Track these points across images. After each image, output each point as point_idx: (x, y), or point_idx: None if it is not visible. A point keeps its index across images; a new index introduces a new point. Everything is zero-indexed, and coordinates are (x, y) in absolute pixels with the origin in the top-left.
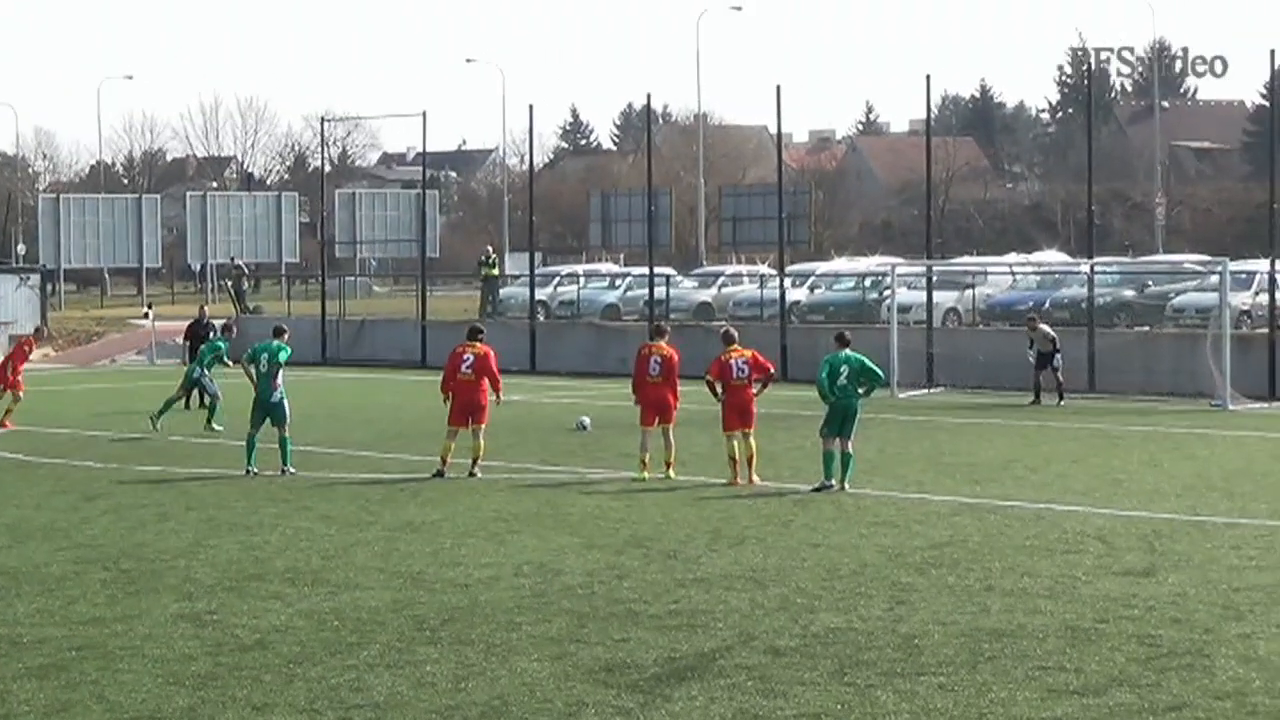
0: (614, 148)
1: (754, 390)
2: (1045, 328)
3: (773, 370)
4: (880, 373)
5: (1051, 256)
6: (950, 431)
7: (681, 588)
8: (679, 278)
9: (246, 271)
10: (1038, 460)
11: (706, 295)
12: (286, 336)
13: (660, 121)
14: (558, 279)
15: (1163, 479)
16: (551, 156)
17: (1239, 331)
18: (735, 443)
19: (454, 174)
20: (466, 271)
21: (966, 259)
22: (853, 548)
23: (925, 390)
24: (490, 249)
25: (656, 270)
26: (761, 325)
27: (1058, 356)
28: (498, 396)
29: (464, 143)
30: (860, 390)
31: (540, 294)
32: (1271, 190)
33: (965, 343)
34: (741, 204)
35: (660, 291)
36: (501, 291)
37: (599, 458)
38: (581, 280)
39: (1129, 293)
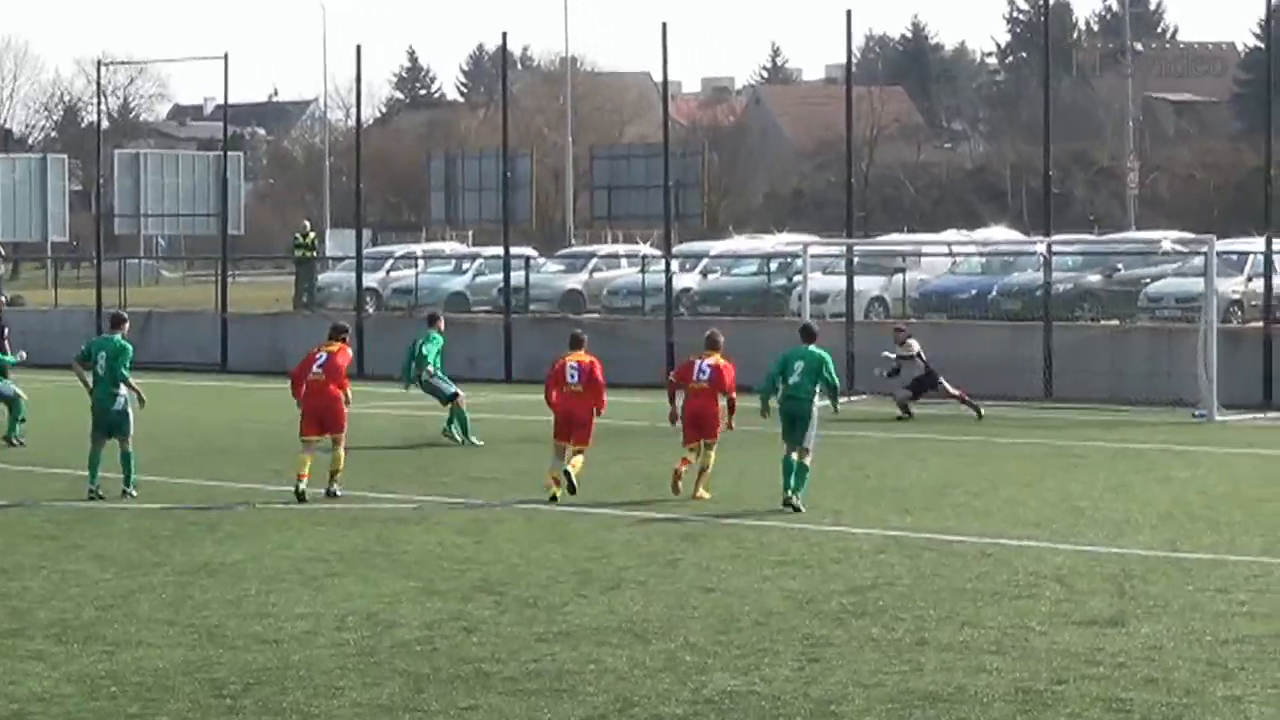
0: (461, 99)
1: (719, 403)
2: (913, 342)
3: (733, 396)
4: (837, 382)
5: (999, 233)
6: (874, 449)
7: (543, 643)
8: (541, 260)
9: (3, 253)
10: (982, 484)
11: (575, 281)
12: (127, 327)
13: (519, 67)
14: (391, 261)
15: (1134, 507)
16: (384, 110)
17: (1228, 325)
18: (693, 454)
19: (263, 131)
20: (279, 252)
21: (896, 237)
22: (755, 593)
23: (844, 399)
24: (307, 224)
25: (514, 250)
26: (643, 319)
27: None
28: (345, 400)
29: (275, 93)
30: (814, 392)
31: (369, 280)
32: (1268, 152)
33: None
34: (619, 169)
35: (518, 277)
36: (321, 277)
37: (442, 483)
38: (421, 263)
39: (1094, 278)
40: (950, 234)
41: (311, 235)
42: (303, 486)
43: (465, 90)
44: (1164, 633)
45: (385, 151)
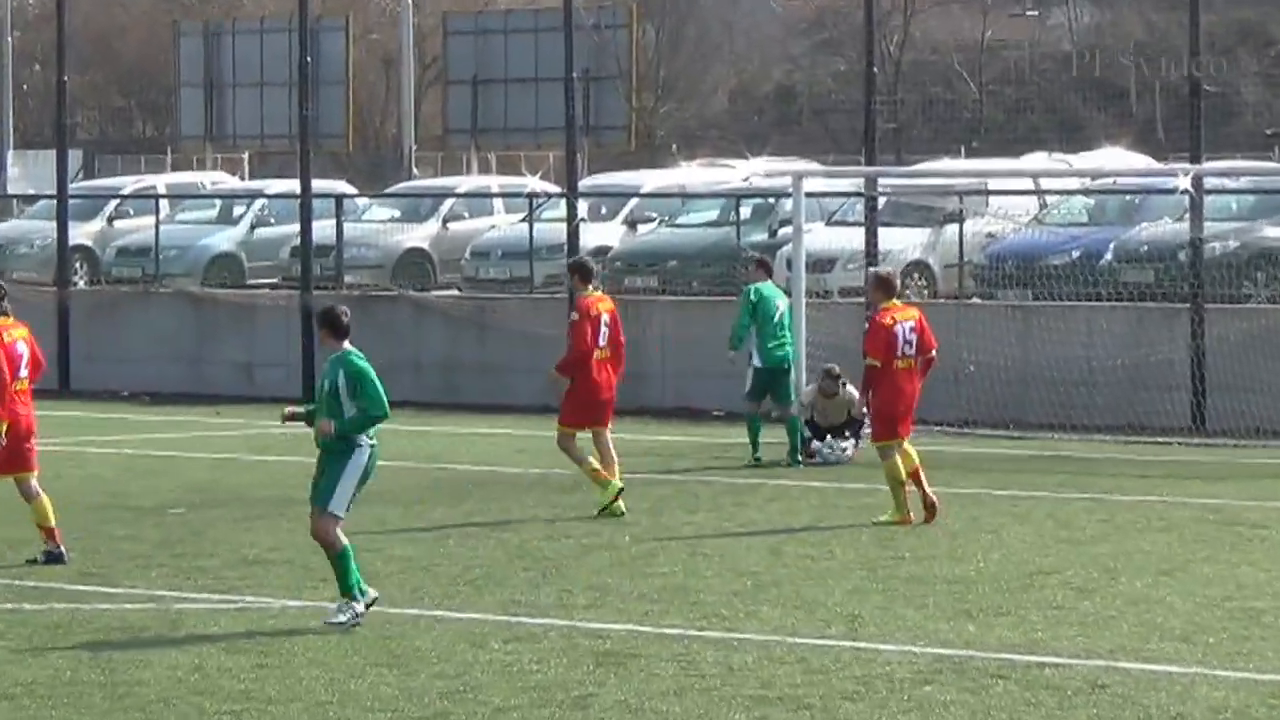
0: None
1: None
2: (851, 390)
3: (935, 352)
4: (376, 401)
5: (1118, 158)
6: (913, 509)
7: None
8: (364, 201)
9: None
10: (1092, 571)
11: (419, 237)
12: None
13: None
14: (117, 203)
15: None
16: None
17: None
18: (898, 458)
19: None
20: None
21: (947, 164)
22: None
23: (865, 428)
24: None
25: (318, 186)
26: (530, 299)
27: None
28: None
29: None
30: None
31: (79, 234)
32: None
33: (948, 333)
34: (490, 50)
35: (326, 229)
36: (1, 227)
37: (200, 568)
38: (165, 206)
39: (1276, 232)
40: (1037, 159)
41: None
42: (57, 546)
43: None
44: None
45: (105, 24)
